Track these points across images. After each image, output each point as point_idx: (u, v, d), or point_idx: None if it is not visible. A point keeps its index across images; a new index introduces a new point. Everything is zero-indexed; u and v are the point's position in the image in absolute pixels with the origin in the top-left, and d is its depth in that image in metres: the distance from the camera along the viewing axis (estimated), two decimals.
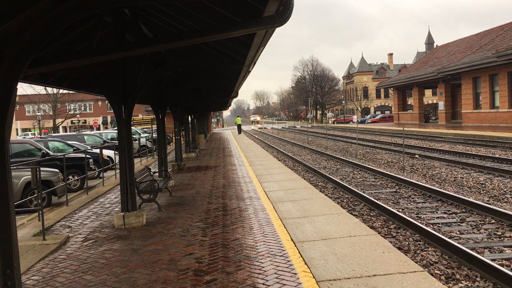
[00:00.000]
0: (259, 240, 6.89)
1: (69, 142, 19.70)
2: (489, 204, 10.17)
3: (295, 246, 6.44)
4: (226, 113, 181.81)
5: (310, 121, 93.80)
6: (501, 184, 12.60)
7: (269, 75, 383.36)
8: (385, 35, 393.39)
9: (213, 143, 35.97)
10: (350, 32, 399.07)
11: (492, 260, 6.54)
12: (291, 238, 6.86)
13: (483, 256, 6.63)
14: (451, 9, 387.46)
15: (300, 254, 6.04)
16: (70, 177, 14.91)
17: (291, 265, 5.66)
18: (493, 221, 8.83)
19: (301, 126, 72.97)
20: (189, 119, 28.53)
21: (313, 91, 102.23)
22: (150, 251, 6.72)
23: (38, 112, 63.69)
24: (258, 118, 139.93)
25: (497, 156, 18.09)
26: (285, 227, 7.52)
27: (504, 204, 10.51)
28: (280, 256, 6.05)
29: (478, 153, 19.83)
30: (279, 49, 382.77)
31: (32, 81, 9.55)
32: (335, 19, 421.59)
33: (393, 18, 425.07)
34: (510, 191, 11.68)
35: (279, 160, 20.57)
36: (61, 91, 58.51)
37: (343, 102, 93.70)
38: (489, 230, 8.27)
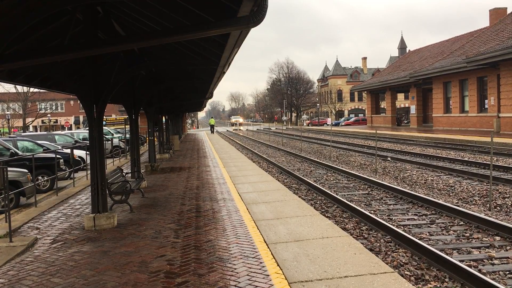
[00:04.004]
0: (232, 241, 6.86)
1: (39, 142, 19.25)
2: (458, 206, 10.39)
3: (268, 247, 6.43)
4: (201, 114, 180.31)
5: (285, 123, 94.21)
6: (469, 187, 12.89)
7: (240, 77, 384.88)
8: (350, 39, 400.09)
9: (187, 144, 35.73)
10: (315, 35, 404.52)
11: (460, 261, 6.68)
12: (264, 239, 6.85)
13: (451, 257, 6.75)
14: (413, 16, 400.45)
15: (273, 256, 6.03)
16: (40, 177, 14.56)
17: (264, 266, 5.65)
18: (462, 223, 9.02)
19: (276, 128, 73.19)
20: (163, 119, 28.26)
21: (288, 93, 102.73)
22: (120, 253, 6.61)
23: (8, 111, 62.08)
24: (241, 120, 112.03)
25: (466, 159, 18.51)
26: (258, 229, 7.50)
27: (473, 206, 10.76)
28: (253, 257, 6.03)
29: (448, 156, 20.26)
30: (246, 52, 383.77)
31: (0, 79, 9.29)
32: (299, 22, 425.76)
33: (357, 23, 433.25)
34: (478, 194, 11.96)
35: (253, 162, 20.57)
36: (31, 89, 57.27)
37: (318, 104, 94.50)
38: (458, 231, 8.45)
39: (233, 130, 79.17)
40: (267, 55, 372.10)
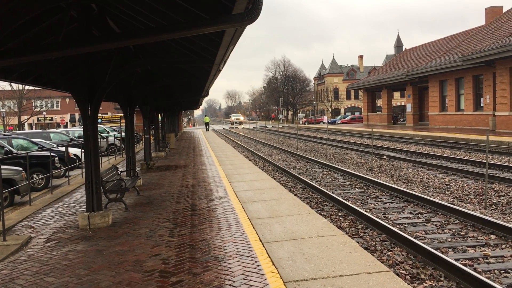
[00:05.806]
0: (227, 240, 6.83)
1: (34, 139, 19.14)
2: (454, 204, 10.40)
3: (263, 246, 6.41)
4: (197, 112, 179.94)
5: (281, 121, 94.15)
6: (465, 185, 12.91)
7: (235, 76, 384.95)
8: (342, 37, 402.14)
9: (183, 142, 35.65)
10: (307, 33, 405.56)
11: (456, 260, 6.68)
12: (259, 238, 6.83)
13: (447, 256, 6.75)
14: (404, 14, 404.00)
15: (268, 255, 6.00)
16: (34, 175, 14.48)
17: (259, 265, 5.62)
18: (457, 221, 9.03)
19: (272, 126, 73.15)
20: (159, 117, 28.17)
21: (285, 92, 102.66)
22: (115, 252, 6.57)
23: (3, 109, 61.80)
24: (242, 118, 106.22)
25: (461, 157, 18.54)
26: (253, 228, 7.48)
27: (468, 204, 10.77)
28: (248, 256, 6.00)
29: (444, 154, 20.29)
30: (240, 50, 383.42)
31: None
32: (290, 20, 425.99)
33: (347, 21, 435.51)
34: (473, 192, 11.97)
35: (249, 160, 20.54)
36: (27, 87, 57.05)
37: (314, 102, 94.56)
38: (453, 230, 8.45)
39: (230, 128, 79.05)
40: (260, 53, 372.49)
